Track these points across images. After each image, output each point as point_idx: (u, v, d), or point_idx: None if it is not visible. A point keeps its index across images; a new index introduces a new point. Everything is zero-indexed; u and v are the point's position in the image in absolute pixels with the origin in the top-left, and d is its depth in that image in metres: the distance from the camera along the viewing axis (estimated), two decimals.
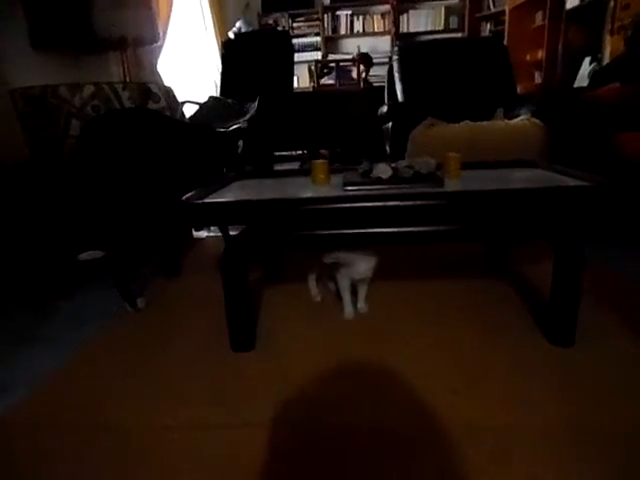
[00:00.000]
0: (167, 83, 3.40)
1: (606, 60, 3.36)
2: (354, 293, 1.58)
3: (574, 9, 3.83)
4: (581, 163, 2.14)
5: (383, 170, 1.43)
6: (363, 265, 1.47)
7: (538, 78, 4.59)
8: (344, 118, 4.30)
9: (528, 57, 4.75)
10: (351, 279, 1.52)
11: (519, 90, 3.88)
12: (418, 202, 1.19)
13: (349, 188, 1.39)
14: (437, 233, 1.27)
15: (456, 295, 1.68)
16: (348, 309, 1.55)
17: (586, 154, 2.19)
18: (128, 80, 2.94)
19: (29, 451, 1.04)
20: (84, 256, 1.68)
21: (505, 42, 4.82)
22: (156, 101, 2.30)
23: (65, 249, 1.84)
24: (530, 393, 1.13)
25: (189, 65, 4.19)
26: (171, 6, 3.61)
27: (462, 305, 1.60)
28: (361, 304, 1.58)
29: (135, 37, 2.92)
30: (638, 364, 1.22)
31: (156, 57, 3.39)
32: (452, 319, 1.51)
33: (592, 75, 3.25)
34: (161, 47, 3.42)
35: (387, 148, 2.85)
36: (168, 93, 2.41)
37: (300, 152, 4.82)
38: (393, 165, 1.46)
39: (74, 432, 1.09)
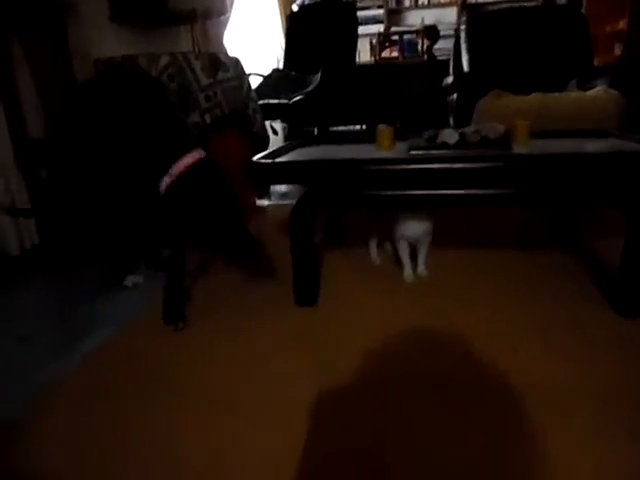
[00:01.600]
0: (234, 53, 3.51)
1: None
2: (414, 257, 1.61)
3: None
4: None
5: (449, 135, 1.43)
6: (414, 225, 1.50)
7: (618, 50, 4.28)
8: (406, 91, 4.24)
9: (608, 28, 4.42)
10: (408, 241, 1.55)
11: (597, 63, 3.65)
12: (485, 164, 1.20)
13: (415, 152, 1.41)
14: (503, 196, 1.27)
15: (519, 263, 1.67)
16: (407, 272, 1.58)
17: None
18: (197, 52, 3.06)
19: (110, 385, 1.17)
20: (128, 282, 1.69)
21: (583, 11, 4.52)
22: (225, 70, 2.38)
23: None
24: (591, 356, 1.12)
25: (253, 38, 4.26)
26: None
27: (525, 273, 1.59)
28: (421, 268, 1.61)
29: (204, 10, 3.02)
30: None
31: (222, 29, 3.48)
32: (514, 286, 1.51)
33: None
34: (227, 19, 3.51)
35: (450, 120, 2.80)
36: (236, 64, 2.48)
37: (358, 127, 4.81)
38: (460, 131, 1.46)
39: (138, 379, 1.19)
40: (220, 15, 3.20)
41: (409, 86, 4.14)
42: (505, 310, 1.36)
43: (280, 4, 4.54)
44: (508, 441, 0.89)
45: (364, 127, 4.67)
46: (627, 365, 1.09)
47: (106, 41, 2.63)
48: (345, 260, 1.80)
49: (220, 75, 2.36)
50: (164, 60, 2.22)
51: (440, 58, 4.55)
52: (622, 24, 4.13)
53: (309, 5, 3.79)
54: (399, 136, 1.63)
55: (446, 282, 1.57)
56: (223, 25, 3.51)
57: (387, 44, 5.33)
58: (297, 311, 1.43)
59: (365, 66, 4.95)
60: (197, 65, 2.28)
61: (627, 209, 1.20)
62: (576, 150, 1.28)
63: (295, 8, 4.09)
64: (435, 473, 0.84)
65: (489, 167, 1.21)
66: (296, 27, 3.59)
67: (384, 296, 1.49)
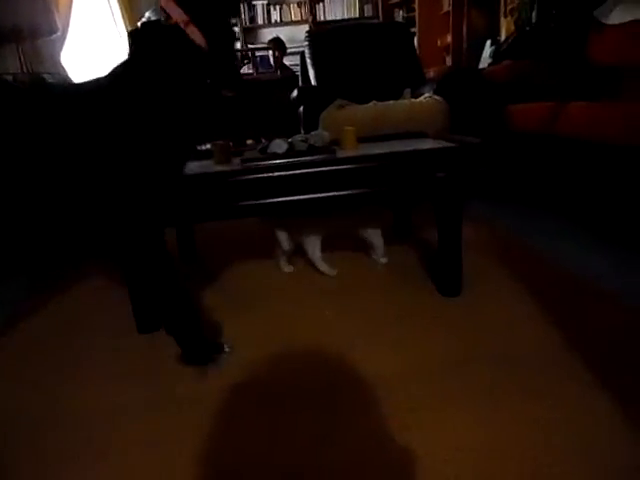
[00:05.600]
0: (73, 75, 3.27)
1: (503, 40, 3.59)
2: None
3: None
4: (478, 134, 2.30)
5: (279, 145, 1.47)
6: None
7: (449, 61, 4.82)
8: (265, 107, 4.31)
9: (439, 42, 4.97)
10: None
11: (432, 73, 4.07)
12: (306, 170, 1.25)
13: (247, 164, 1.43)
14: (332, 198, 1.33)
15: (361, 263, 1.77)
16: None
17: (481, 126, 2.36)
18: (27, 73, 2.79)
19: None
20: None
21: (417, 28, 5.03)
22: None
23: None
24: (419, 338, 1.23)
25: (98, 57, 4.02)
26: None
27: (366, 271, 1.70)
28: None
29: (30, 27, 2.78)
30: (515, 303, 1.36)
31: (58, 49, 3.23)
32: (356, 285, 1.60)
33: (493, 55, 3.48)
34: (63, 39, 3.27)
35: (302, 131, 2.90)
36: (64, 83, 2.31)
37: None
38: (289, 140, 1.51)
39: None
40: (51, 34, 2.97)
41: (268, 101, 4.22)
42: (347, 307, 1.43)
43: (126, 22, 4.35)
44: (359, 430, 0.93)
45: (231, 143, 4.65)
46: (448, 340, 1.21)
47: None
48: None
49: None
50: None
51: (297, 73, 4.73)
52: (449, 38, 4.68)
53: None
54: (235, 151, 1.66)
55: (292, 286, 1.61)
56: (58, 44, 3.26)
57: (245, 61, 5.39)
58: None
59: None
60: None
61: (434, 200, 1.34)
62: (385, 150, 1.39)
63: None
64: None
65: (310, 173, 1.26)
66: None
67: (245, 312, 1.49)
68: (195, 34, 1.00)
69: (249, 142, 4.76)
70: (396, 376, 1.08)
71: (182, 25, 1.00)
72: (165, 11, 1.07)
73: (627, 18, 2.34)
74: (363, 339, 1.25)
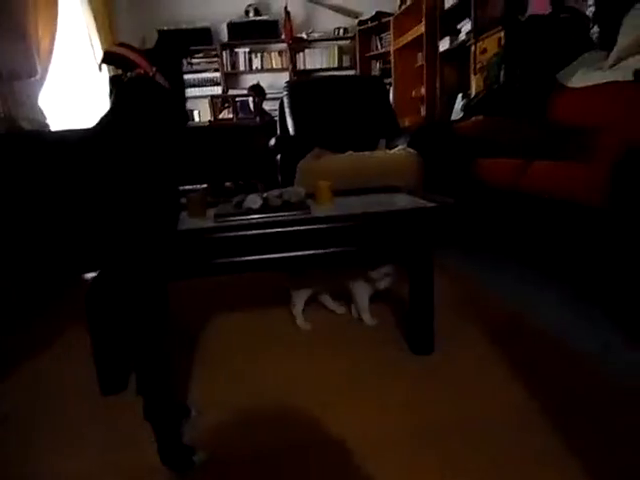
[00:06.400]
0: (52, 118, 3.26)
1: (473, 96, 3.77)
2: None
3: (446, 51, 4.29)
4: (449, 187, 2.38)
5: (253, 201, 1.49)
6: None
7: (423, 111, 5.02)
8: (245, 151, 4.37)
9: (413, 93, 5.19)
10: None
11: (407, 123, 4.23)
12: (279, 229, 1.26)
13: (220, 220, 1.43)
14: (305, 257, 1.33)
15: (337, 317, 1.76)
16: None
17: (452, 179, 2.44)
18: (2, 115, 2.78)
19: None
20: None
21: (392, 78, 5.26)
22: None
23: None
24: (388, 396, 1.22)
25: (80, 100, 4.04)
26: (53, 39, 3.48)
27: (342, 326, 1.69)
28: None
29: (9, 70, 2.79)
30: (486, 364, 1.36)
31: (36, 92, 3.23)
32: (329, 340, 1.58)
33: (464, 109, 3.64)
34: (42, 81, 3.28)
35: (279, 179, 2.94)
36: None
37: (205, 186, 4.79)
38: (264, 195, 1.52)
39: None
40: (29, 77, 2.98)
41: (248, 146, 4.29)
42: (317, 366, 1.41)
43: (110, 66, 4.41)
44: None
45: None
46: (415, 404, 1.19)
47: None
48: None
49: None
50: None
51: (276, 118, 4.84)
52: (423, 90, 4.89)
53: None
54: (211, 202, 1.67)
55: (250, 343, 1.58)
56: (36, 87, 3.26)
57: (226, 104, 5.50)
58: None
59: (200, 127, 5.03)
60: None
61: (407, 262, 1.36)
62: (359, 208, 1.41)
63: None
64: None
65: (285, 232, 1.27)
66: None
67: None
68: (162, 81, 1.08)
69: (227, 184, 4.80)
70: (356, 441, 1.06)
71: (151, 74, 1.07)
72: (126, 62, 1.11)
73: (587, 82, 2.49)
74: (331, 398, 1.23)
